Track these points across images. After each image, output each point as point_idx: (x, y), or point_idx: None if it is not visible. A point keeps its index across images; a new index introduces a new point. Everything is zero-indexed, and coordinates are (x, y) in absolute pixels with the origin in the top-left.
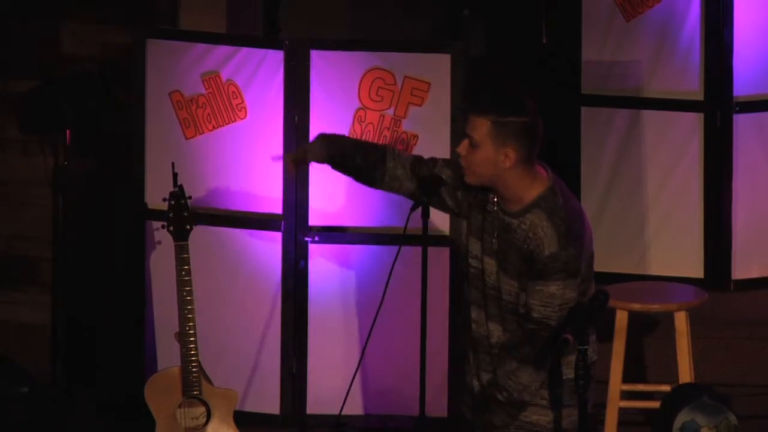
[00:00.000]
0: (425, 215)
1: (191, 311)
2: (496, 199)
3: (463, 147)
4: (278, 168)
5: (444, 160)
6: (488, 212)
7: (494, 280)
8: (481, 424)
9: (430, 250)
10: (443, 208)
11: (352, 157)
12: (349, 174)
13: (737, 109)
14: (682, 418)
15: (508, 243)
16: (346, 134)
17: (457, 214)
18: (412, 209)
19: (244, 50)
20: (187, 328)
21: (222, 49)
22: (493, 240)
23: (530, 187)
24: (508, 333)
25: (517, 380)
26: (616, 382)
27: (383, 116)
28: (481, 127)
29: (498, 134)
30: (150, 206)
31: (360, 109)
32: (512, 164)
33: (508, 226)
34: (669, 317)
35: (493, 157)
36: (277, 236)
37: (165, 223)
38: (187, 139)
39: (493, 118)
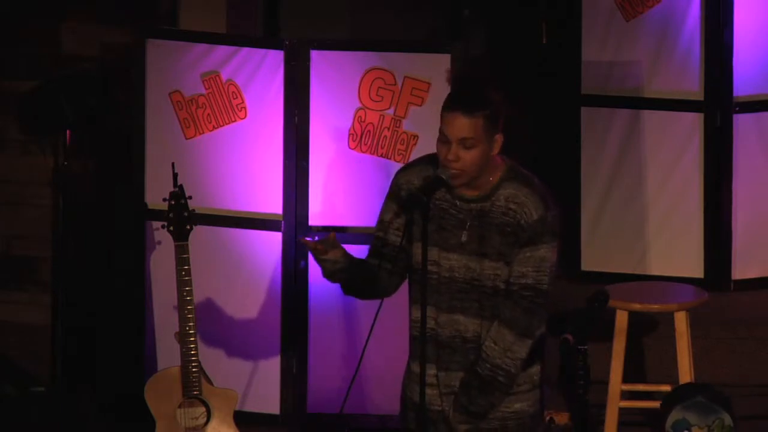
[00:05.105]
0: (425, 216)
1: (191, 311)
2: (450, 196)
3: (453, 154)
4: (278, 168)
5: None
6: (444, 210)
7: (467, 273)
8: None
9: None
10: (397, 256)
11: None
12: (357, 289)
13: (737, 109)
14: (673, 416)
15: (484, 228)
16: (346, 134)
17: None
18: (412, 210)
19: (244, 50)
20: (187, 328)
21: (222, 49)
22: (464, 232)
23: (495, 168)
24: (486, 321)
25: (515, 355)
26: (616, 382)
27: (383, 116)
28: (476, 125)
29: (491, 125)
30: (150, 206)
31: (360, 109)
32: (499, 149)
33: (480, 211)
34: (669, 317)
35: (487, 150)
36: (277, 236)
37: (165, 223)
38: (187, 139)
39: (484, 111)
